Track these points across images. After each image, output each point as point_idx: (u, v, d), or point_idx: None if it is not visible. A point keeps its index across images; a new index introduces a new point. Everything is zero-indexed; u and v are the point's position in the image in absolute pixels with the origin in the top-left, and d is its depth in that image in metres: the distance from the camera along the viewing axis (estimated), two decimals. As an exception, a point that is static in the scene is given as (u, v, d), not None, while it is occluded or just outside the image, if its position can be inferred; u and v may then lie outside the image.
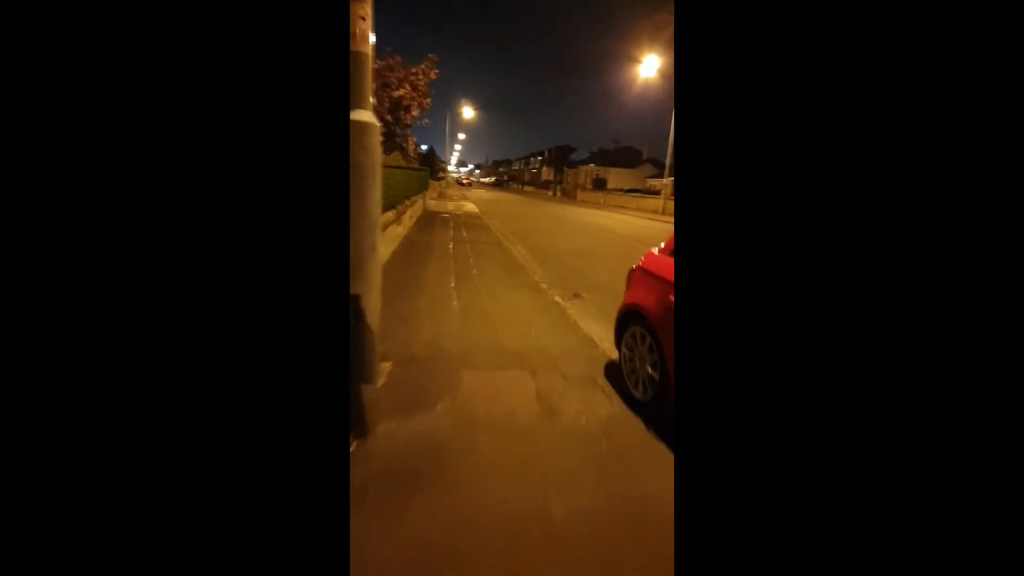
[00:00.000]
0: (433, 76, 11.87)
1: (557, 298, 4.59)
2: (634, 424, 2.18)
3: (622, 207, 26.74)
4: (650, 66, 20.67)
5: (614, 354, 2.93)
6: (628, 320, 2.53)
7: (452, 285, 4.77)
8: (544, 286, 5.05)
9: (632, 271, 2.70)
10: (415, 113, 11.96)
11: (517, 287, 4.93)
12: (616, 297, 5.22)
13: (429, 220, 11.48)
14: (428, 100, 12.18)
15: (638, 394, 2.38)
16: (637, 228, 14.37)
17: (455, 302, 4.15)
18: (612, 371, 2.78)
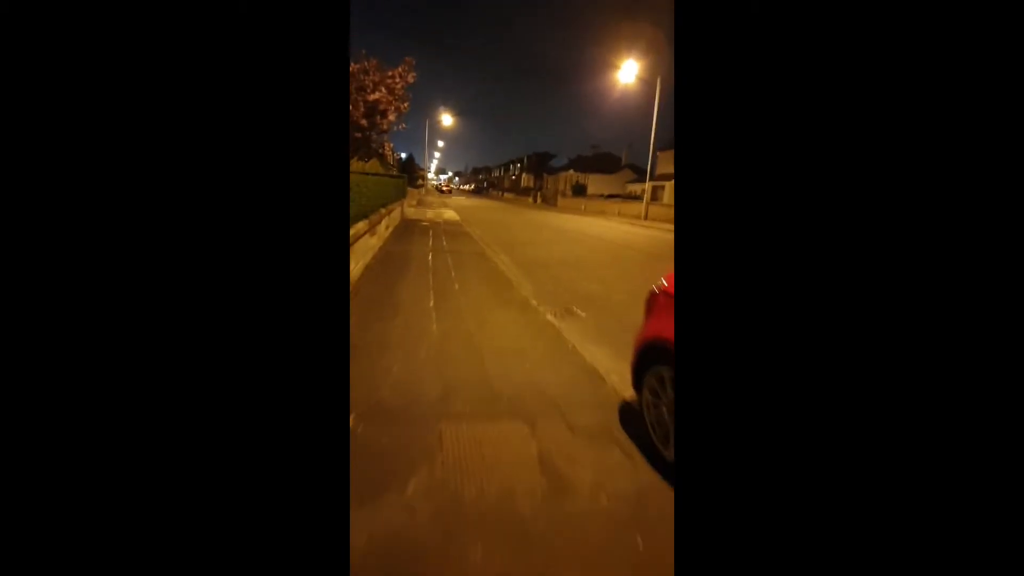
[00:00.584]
0: (411, 80, 11.32)
1: (550, 316, 4.07)
2: (671, 501, 1.67)
3: (603, 212, 26.51)
4: (628, 71, 20.48)
5: (627, 391, 2.42)
6: (650, 358, 2.02)
7: (431, 304, 4.21)
8: (534, 302, 4.53)
9: (653, 296, 2.19)
10: (392, 118, 11.37)
11: (504, 304, 4.40)
12: (613, 312, 4.75)
13: (407, 229, 10.87)
14: (406, 104, 11.64)
15: (668, 454, 1.87)
16: (622, 234, 14.03)
17: (434, 326, 3.59)
18: (629, 417, 2.26)
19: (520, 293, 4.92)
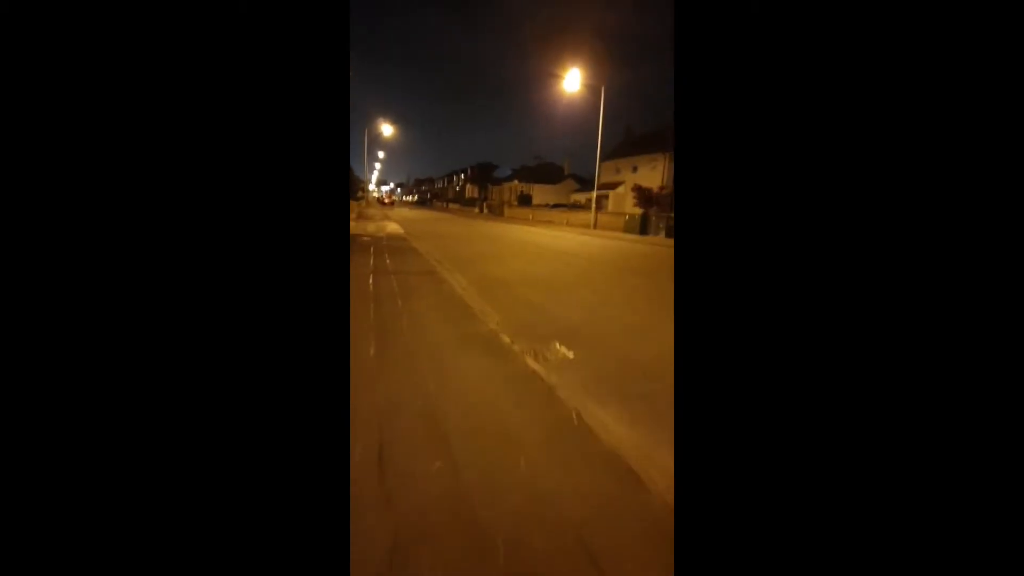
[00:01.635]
0: None
1: (531, 361, 3.11)
2: None
3: (551, 222, 26.11)
4: (572, 81, 20.25)
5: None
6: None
7: (371, 353, 3.12)
8: (507, 339, 3.56)
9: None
10: None
11: (469, 344, 3.39)
12: (607, 347, 3.65)
13: (343, 246, 9.55)
14: None
15: None
16: (578, 244, 13.41)
17: (378, 393, 2.51)
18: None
19: (486, 325, 3.92)
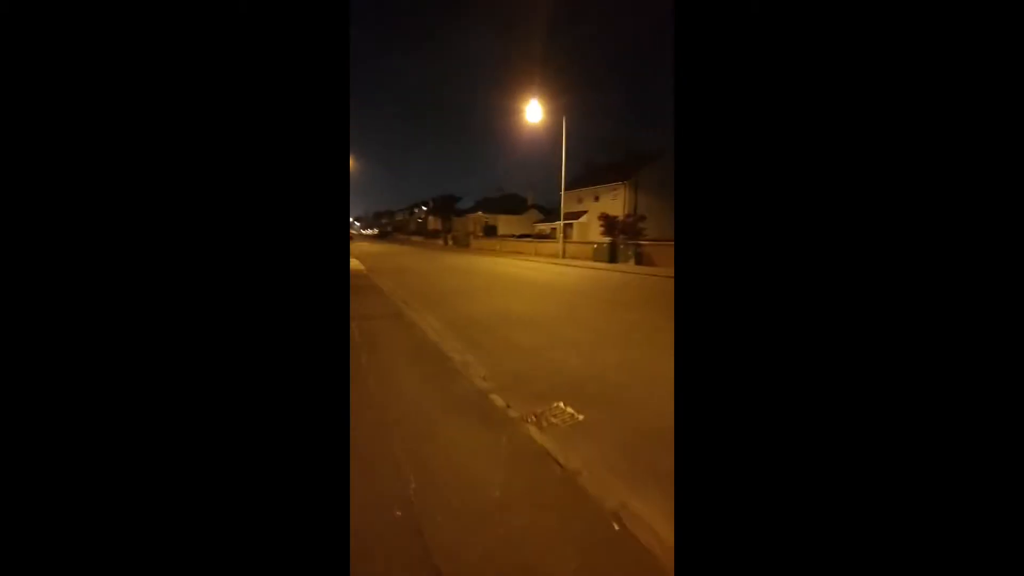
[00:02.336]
0: None
1: (535, 432, 2.46)
2: None
3: (519, 252, 25.84)
4: (533, 112, 20.42)
5: None
6: None
7: (328, 434, 2.38)
8: (498, 401, 2.90)
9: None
10: None
11: (452, 409, 2.71)
12: (620, 405, 2.94)
13: (298, 286, 8.65)
14: None
15: None
16: (554, 275, 12.99)
17: (334, 503, 1.78)
18: None
19: (471, 381, 3.26)
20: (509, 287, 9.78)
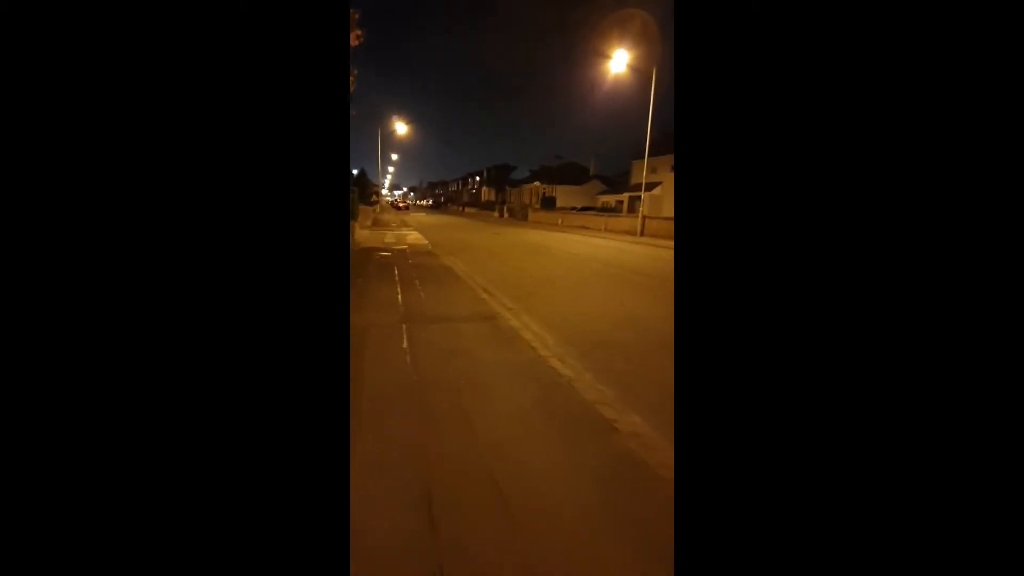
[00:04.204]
0: (356, 40, 7.91)
1: None
2: None
3: (586, 227, 23.70)
4: (616, 64, 17.80)
5: None
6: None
7: None
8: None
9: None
10: None
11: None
12: None
13: (361, 266, 7.40)
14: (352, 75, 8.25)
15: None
16: (653, 260, 11.10)
17: None
18: None
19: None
20: (608, 275, 8.05)
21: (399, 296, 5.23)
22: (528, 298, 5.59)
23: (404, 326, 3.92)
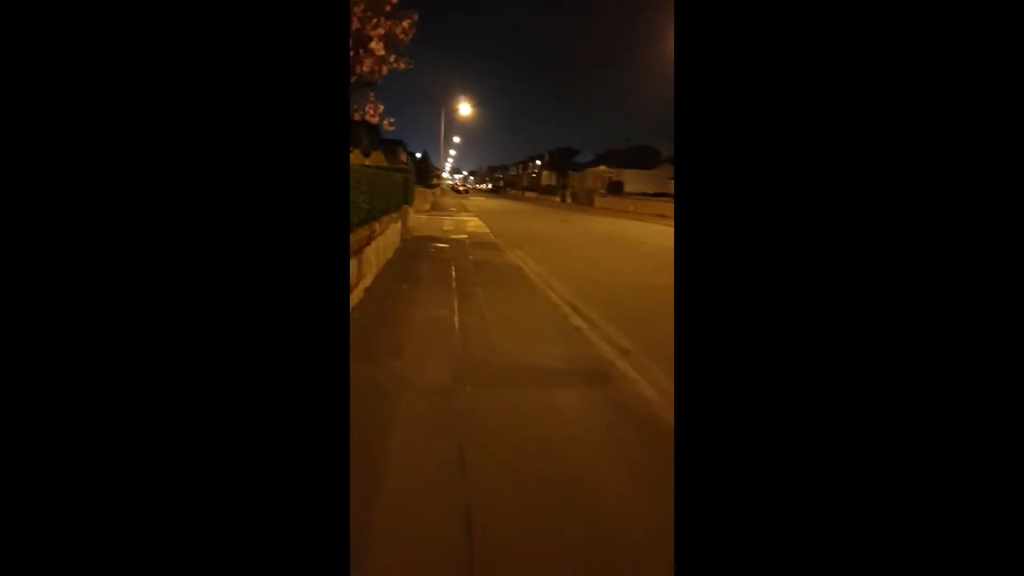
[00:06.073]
0: (402, 35, 6.86)
1: None
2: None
3: (662, 216, 21.13)
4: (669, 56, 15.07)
5: None
6: None
7: None
8: None
9: None
10: (379, 50, 6.43)
11: None
12: None
13: (408, 262, 5.92)
14: (402, 63, 6.96)
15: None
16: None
17: None
18: None
19: None
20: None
21: (455, 318, 3.62)
22: (642, 326, 3.79)
23: (460, 393, 2.29)
